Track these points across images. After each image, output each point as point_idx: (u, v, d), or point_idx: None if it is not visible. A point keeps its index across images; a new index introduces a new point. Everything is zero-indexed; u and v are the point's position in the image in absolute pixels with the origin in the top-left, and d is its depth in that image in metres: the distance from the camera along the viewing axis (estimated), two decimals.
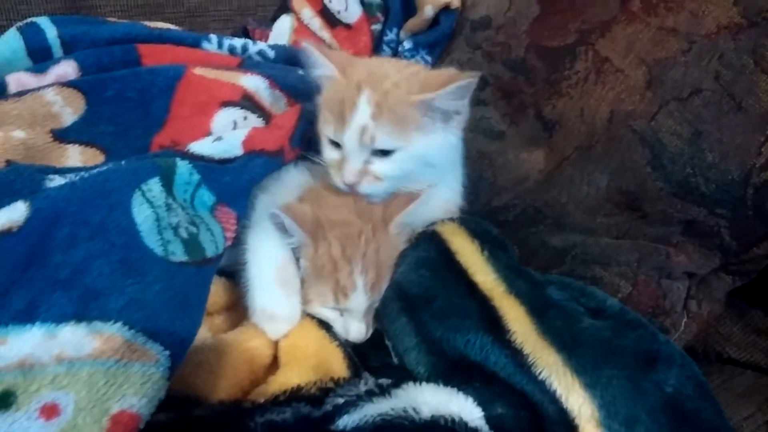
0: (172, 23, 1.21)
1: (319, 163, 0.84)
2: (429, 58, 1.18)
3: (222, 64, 0.92)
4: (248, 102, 0.85)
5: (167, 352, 0.55)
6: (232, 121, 0.83)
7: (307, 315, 0.77)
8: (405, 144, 0.78)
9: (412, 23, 1.17)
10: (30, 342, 0.50)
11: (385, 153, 0.78)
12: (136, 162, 0.67)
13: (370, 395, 0.61)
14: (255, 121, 0.85)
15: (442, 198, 0.88)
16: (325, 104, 0.81)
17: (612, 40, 0.91)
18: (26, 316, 0.52)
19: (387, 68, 0.82)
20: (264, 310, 0.74)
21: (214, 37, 0.99)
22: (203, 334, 0.73)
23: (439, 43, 1.16)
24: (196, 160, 0.73)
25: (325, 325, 0.76)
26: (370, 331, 0.79)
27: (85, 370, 0.49)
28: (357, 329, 0.77)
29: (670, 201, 0.84)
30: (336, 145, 0.80)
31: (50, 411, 0.47)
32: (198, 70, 0.86)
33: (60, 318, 0.52)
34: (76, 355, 0.50)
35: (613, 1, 0.93)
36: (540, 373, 0.66)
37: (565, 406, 0.64)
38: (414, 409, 0.58)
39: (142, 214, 0.62)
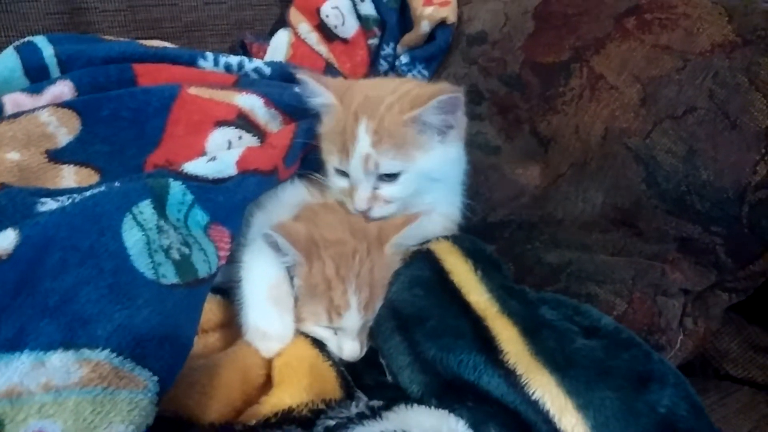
0: (170, 38, 1.22)
1: (317, 180, 0.85)
2: (426, 72, 1.18)
3: (218, 82, 0.93)
4: (243, 121, 0.86)
5: (155, 378, 0.55)
6: (227, 141, 0.84)
7: (301, 333, 0.77)
8: (408, 164, 0.80)
9: (409, 38, 1.18)
10: (18, 370, 0.51)
11: (390, 176, 0.80)
12: (128, 184, 0.67)
13: (361, 418, 0.61)
14: (250, 140, 0.86)
15: (441, 214, 0.88)
16: (327, 136, 0.84)
17: (606, 57, 0.91)
18: (15, 344, 0.52)
19: (382, 90, 0.83)
20: (257, 328, 0.74)
21: (210, 55, 0.99)
22: (197, 352, 0.74)
23: (435, 57, 1.16)
24: (190, 180, 0.73)
25: (318, 344, 0.76)
26: (365, 350, 0.79)
27: (72, 399, 0.50)
28: (351, 348, 0.77)
29: (665, 218, 0.84)
30: (343, 173, 0.83)
31: None
32: (193, 90, 0.87)
33: (48, 346, 0.52)
34: (63, 384, 0.50)
35: (607, 19, 0.94)
36: (533, 394, 0.66)
37: (558, 427, 0.64)
38: None
39: (132, 237, 0.62)
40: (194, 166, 0.75)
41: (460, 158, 0.88)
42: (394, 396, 0.70)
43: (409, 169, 0.80)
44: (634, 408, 0.66)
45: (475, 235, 0.93)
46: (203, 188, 0.73)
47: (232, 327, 0.79)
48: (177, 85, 0.86)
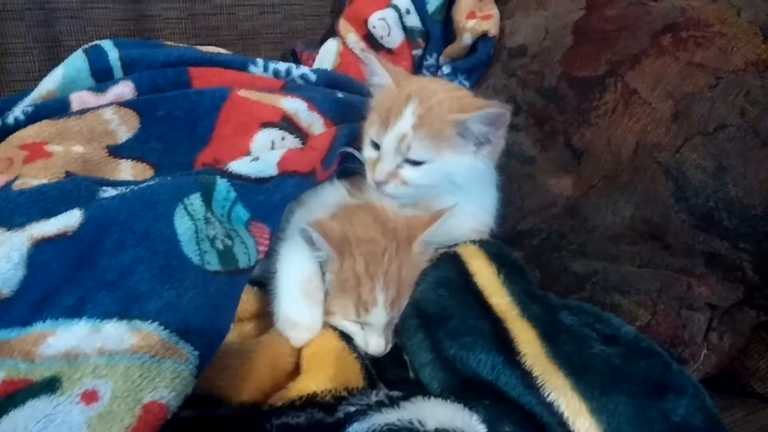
0: (226, 45, 1.29)
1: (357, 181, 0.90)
2: (467, 83, 1.21)
3: (266, 86, 0.99)
4: (287, 123, 0.91)
5: (197, 352, 0.60)
6: (270, 141, 0.89)
7: (330, 327, 0.81)
8: (435, 157, 0.84)
9: (451, 49, 1.22)
10: (77, 335, 0.57)
11: (416, 162, 0.85)
12: (181, 178, 0.73)
13: (379, 405, 0.64)
14: (292, 141, 0.91)
15: (471, 217, 0.92)
16: (375, 108, 0.90)
17: (641, 73, 0.93)
18: (75, 312, 0.58)
19: (436, 86, 0.89)
20: (288, 317, 0.79)
21: (260, 61, 1.05)
22: (232, 339, 0.79)
23: (476, 69, 1.20)
24: (234, 178, 0.79)
25: (346, 338, 0.80)
26: (389, 346, 0.83)
27: (123, 363, 0.55)
28: (376, 343, 0.81)
29: (692, 233, 0.85)
30: (376, 146, 0.88)
31: (90, 397, 0.52)
32: (242, 92, 0.93)
33: (104, 315, 0.58)
34: (116, 349, 0.56)
35: (644, 35, 0.95)
36: (548, 396, 0.68)
37: (572, 429, 0.66)
38: (420, 422, 0.62)
39: (183, 225, 0.68)
40: (238, 166, 0.80)
41: (486, 174, 0.91)
42: (415, 391, 0.73)
43: (434, 162, 0.84)
44: (647, 415, 0.67)
45: (504, 241, 0.96)
46: (246, 187, 0.78)
47: (266, 317, 0.84)
48: (227, 87, 0.92)
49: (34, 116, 0.88)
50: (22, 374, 0.54)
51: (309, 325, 0.79)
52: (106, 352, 0.55)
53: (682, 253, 0.87)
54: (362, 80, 1.22)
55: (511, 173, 1.04)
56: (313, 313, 0.80)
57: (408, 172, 0.85)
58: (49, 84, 0.98)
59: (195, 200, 0.71)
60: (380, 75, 0.91)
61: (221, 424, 0.63)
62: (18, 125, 0.87)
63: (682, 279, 0.87)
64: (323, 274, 0.83)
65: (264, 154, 0.84)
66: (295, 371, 0.76)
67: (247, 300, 0.84)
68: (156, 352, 0.56)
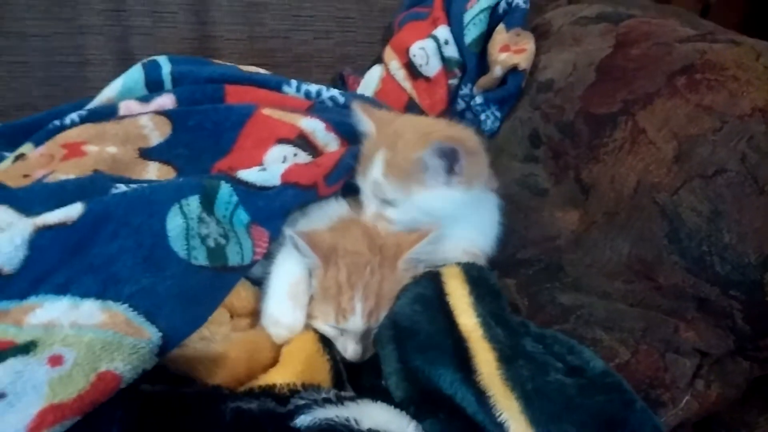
0: (281, 67, 1.41)
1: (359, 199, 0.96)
2: (498, 114, 1.24)
3: (293, 106, 1.07)
4: (302, 141, 0.98)
5: (160, 334, 0.67)
6: (282, 156, 0.97)
7: (314, 330, 0.87)
8: (406, 197, 0.90)
9: (483, 81, 1.25)
10: (59, 309, 0.65)
11: (392, 202, 0.91)
12: (184, 181, 0.82)
13: (325, 402, 0.69)
14: (304, 157, 0.98)
15: (465, 240, 0.95)
16: (361, 155, 0.96)
17: (652, 113, 0.93)
18: (61, 290, 0.67)
19: (411, 128, 0.93)
20: (272, 315, 0.85)
21: (294, 82, 1.14)
22: (224, 330, 0.86)
23: (507, 101, 1.22)
24: (241, 185, 0.87)
25: (325, 341, 0.85)
26: (369, 354, 0.86)
27: (89, 335, 0.62)
28: (353, 349, 0.85)
29: (683, 276, 0.84)
30: None
31: (55, 361, 0.60)
32: (267, 111, 1.01)
33: (85, 294, 0.67)
34: (86, 323, 0.64)
35: (661, 75, 0.95)
36: (500, 416, 0.70)
37: None
38: (356, 420, 0.66)
39: (174, 222, 0.76)
40: (247, 174, 0.89)
41: (471, 202, 0.93)
42: (381, 399, 0.77)
43: (406, 200, 0.90)
44: None
45: (500, 268, 0.98)
46: (248, 193, 0.86)
47: None
48: (254, 105, 1.01)
49: (86, 119, 1.00)
50: (10, 337, 0.62)
51: (290, 325, 0.85)
52: (77, 325, 0.63)
53: (673, 295, 0.86)
54: (398, 106, 1.30)
55: (521, 203, 1.06)
56: (296, 315, 0.86)
57: (390, 212, 0.92)
58: (109, 92, 1.11)
59: (192, 201, 0.79)
60: (364, 122, 0.97)
61: (182, 401, 0.69)
62: (73, 126, 1.00)
63: (670, 321, 0.85)
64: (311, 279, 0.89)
65: (272, 166, 0.91)
66: (272, 366, 0.82)
67: (246, 297, 0.91)
68: (120, 329, 0.64)
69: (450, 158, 0.86)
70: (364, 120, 0.96)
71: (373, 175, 0.90)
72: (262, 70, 1.17)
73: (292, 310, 0.85)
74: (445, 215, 0.90)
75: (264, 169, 0.90)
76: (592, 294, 0.91)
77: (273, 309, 0.85)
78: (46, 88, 1.36)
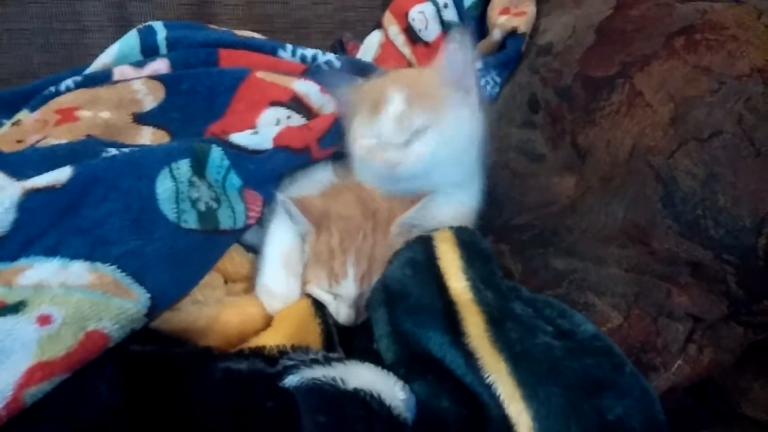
0: (279, 32, 1.39)
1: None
2: (498, 79, 1.22)
3: (287, 69, 1.06)
4: (295, 103, 0.98)
5: (148, 295, 0.68)
6: (275, 119, 0.96)
7: (307, 295, 0.87)
8: (437, 120, 0.87)
9: (482, 45, 1.23)
10: (48, 270, 0.66)
11: (419, 135, 0.86)
12: (175, 144, 0.82)
13: (313, 362, 0.70)
14: (298, 120, 0.98)
15: (456, 202, 0.94)
16: (358, 102, 0.92)
17: (649, 75, 0.91)
18: (51, 251, 0.68)
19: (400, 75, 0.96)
20: (266, 285, 0.86)
21: (289, 47, 1.13)
22: (219, 294, 0.87)
23: (506, 65, 1.20)
24: (233, 148, 0.87)
25: (318, 305, 0.86)
26: (362, 318, 0.87)
27: (76, 296, 0.64)
28: (346, 313, 0.86)
29: (677, 240, 0.83)
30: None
31: (44, 320, 0.61)
32: (260, 74, 1.00)
33: (73, 256, 0.67)
34: (74, 284, 0.65)
35: (659, 37, 0.93)
36: (488, 378, 0.71)
37: (506, 412, 0.69)
38: (342, 380, 0.66)
39: (163, 185, 0.76)
40: (239, 137, 0.88)
41: (478, 128, 0.94)
42: (372, 362, 0.78)
43: (437, 124, 0.87)
44: (579, 409, 0.68)
45: (495, 234, 0.98)
46: (239, 156, 0.86)
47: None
48: (247, 68, 1.01)
49: (81, 85, 1.00)
50: (1, 297, 0.64)
51: (284, 295, 0.86)
52: (66, 286, 0.64)
53: (666, 260, 0.85)
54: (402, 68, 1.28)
55: (517, 169, 1.06)
56: (290, 284, 0.86)
57: (416, 147, 0.86)
58: (105, 58, 1.11)
59: (183, 165, 0.79)
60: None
61: (173, 361, 0.70)
62: (68, 92, 1.00)
63: (663, 286, 0.85)
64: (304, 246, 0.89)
65: (264, 129, 0.91)
66: (264, 330, 0.83)
67: (241, 263, 0.92)
68: (107, 290, 0.65)
69: (462, 64, 0.88)
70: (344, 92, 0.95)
71: (392, 112, 0.85)
72: (257, 35, 1.16)
73: (286, 280, 0.86)
74: (460, 145, 0.90)
75: (256, 133, 0.89)
76: (585, 259, 0.91)
77: (267, 280, 0.86)
78: (46, 55, 1.36)
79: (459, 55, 0.87)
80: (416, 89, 0.87)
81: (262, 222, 0.91)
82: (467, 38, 0.88)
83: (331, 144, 0.93)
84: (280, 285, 0.86)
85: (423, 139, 0.87)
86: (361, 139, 0.90)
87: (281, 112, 0.97)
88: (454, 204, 0.93)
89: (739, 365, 0.90)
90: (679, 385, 0.84)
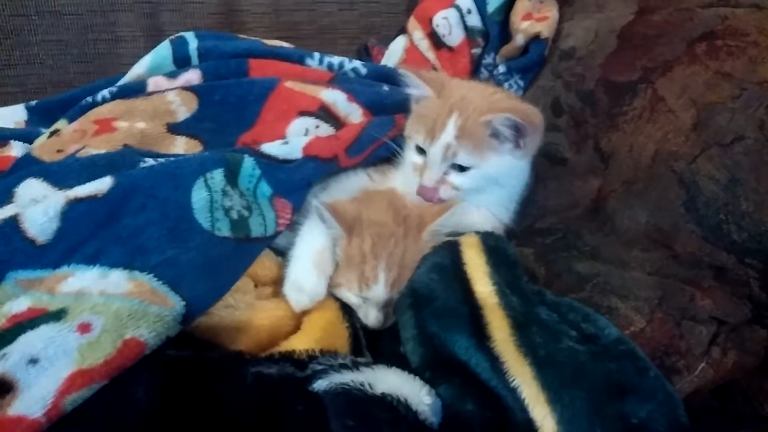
0: (306, 39, 1.42)
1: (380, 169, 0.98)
2: (521, 83, 1.24)
3: (315, 78, 1.08)
4: (324, 112, 1.01)
5: (183, 303, 0.70)
6: (304, 128, 0.99)
7: (335, 299, 0.90)
8: (480, 162, 0.92)
9: (506, 49, 1.25)
10: (89, 278, 0.69)
11: (462, 168, 0.92)
12: (209, 155, 0.85)
13: (341, 367, 0.72)
14: (327, 129, 1.00)
15: (488, 211, 0.97)
16: (420, 116, 0.97)
17: (671, 80, 0.92)
18: (92, 260, 0.71)
19: (474, 94, 0.96)
20: (295, 281, 0.87)
21: (316, 55, 1.16)
22: (248, 299, 0.90)
23: (530, 69, 1.22)
24: (264, 158, 0.90)
25: (346, 309, 0.88)
26: (390, 322, 0.89)
27: (116, 304, 0.66)
28: (375, 317, 0.88)
29: (700, 244, 0.84)
30: (421, 151, 0.95)
31: (84, 328, 0.64)
32: (289, 83, 1.03)
33: (113, 264, 0.70)
34: (114, 292, 0.67)
35: (680, 42, 0.94)
36: (513, 381, 0.73)
37: (531, 416, 0.71)
38: (370, 384, 0.69)
39: (198, 195, 0.79)
40: (269, 147, 0.91)
41: (524, 173, 0.98)
42: (399, 365, 0.80)
43: (479, 167, 0.92)
44: (603, 413, 0.70)
45: (518, 237, 1.00)
46: (270, 166, 0.89)
47: None
48: (276, 78, 1.04)
49: (116, 96, 1.04)
50: (44, 304, 0.67)
51: (312, 292, 0.87)
52: (105, 294, 0.67)
53: (689, 263, 0.86)
54: None
55: (541, 172, 1.07)
56: (319, 282, 0.88)
57: (456, 178, 0.93)
58: (138, 69, 1.14)
59: (217, 175, 0.82)
60: (420, 88, 0.98)
61: (206, 365, 0.73)
62: (104, 103, 1.04)
63: (686, 290, 0.86)
64: (335, 249, 0.92)
65: (294, 139, 0.94)
66: (293, 333, 0.86)
67: (270, 267, 0.94)
68: (145, 298, 0.68)
69: (519, 131, 0.89)
70: (421, 85, 0.97)
71: (445, 139, 0.91)
72: (285, 44, 1.19)
73: (316, 278, 0.88)
74: (504, 183, 0.94)
75: (286, 143, 0.92)
76: (609, 263, 0.92)
77: (297, 275, 0.88)
78: (81, 65, 1.40)
79: (520, 127, 0.90)
80: (469, 124, 0.90)
81: (291, 226, 0.93)
82: (540, 126, 0.91)
83: (358, 153, 0.96)
84: (311, 281, 0.88)
85: (462, 174, 0.92)
86: (414, 156, 0.96)
87: (310, 122, 1.00)
88: (484, 213, 0.95)
89: (764, 367, 0.91)
90: (702, 387, 0.85)
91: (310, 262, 0.90)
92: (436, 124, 0.92)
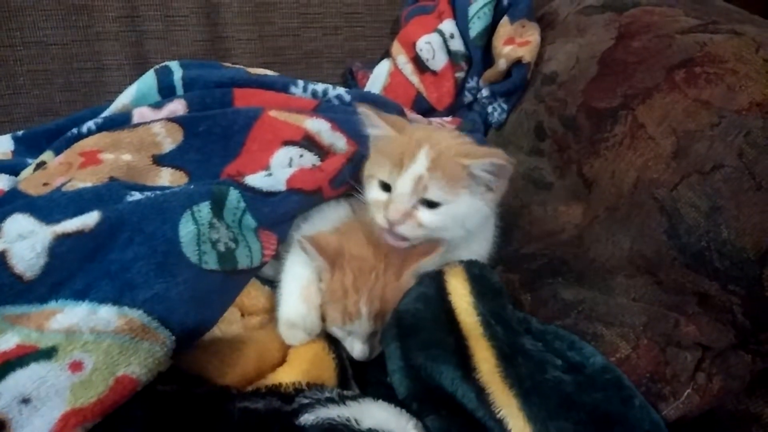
0: (291, 64, 1.43)
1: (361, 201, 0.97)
2: (505, 106, 1.25)
3: (299, 107, 1.09)
4: (307, 142, 1.01)
5: (173, 337, 0.71)
6: (288, 158, 0.99)
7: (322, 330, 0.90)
8: (452, 198, 0.86)
9: (489, 73, 1.26)
10: (78, 314, 0.69)
11: (432, 204, 0.86)
12: (196, 187, 0.85)
13: (328, 401, 0.72)
14: (311, 158, 1.00)
15: (467, 248, 0.95)
16: (380, 154, 0.91)
17: (650, 107, 0.94)
18: (80, 295, 0.71)
19: (439, 135, 0.92)
20: (288, 319, 0.87)
21: (300, 82, 1.16)
22: (235, 329, 0.90)
23: (512, 93, 1.23)
24: (248, 191, 0.90)
25: (332, 340, 0.89)
26: (376, 352, 0.89)
27: (107, 341, 0.67)
28: (360, 349, 0.88)
29: (682, 272, 0.85)
30: (385, 188, 0.89)
31: (76, 366, 0.65)
32: (273, 113, 1.03)
33: (102, 300, 0.70)
34: (104, 329, 0.68)
35: (660, 70, 0.96)
36: (499, 413, 0.73)
37: None
38: (356, 420, 0.69)
39: (186, 229, 0.79)
40: (253, 179, 0.91)
41: (490, 217, 0.94)
42: (386, 395, 0.80)
43: (450, 204, 0.86)
44: None
45: (503, 263, 1.00)
46: (254, 199, 0.89)
47: (273, 313, 0.93)
48: (260, 108, 1.04)
49: (102, 127, 1.04)
50: (32, 341, 0.67)
51: (307, 327, 0.87)
52: (96, 331, 0.67)
53: (673, 290, 0.87)
54: (406, 100, 1.32)
55: (525, 198, 1.08)
56: (311, 316, 0.88)
57: (424, 214, 0.86)
58: (124, 99, 1.14)
59: (203, 207, 0.82)
60: (380, 128, 0.92)
61: (193, 401, 0.73)
62: (90, 134, 1.04)
63: (671, 316, 0.87)
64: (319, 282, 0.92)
65: (278, 170, 0.94)
66: (280, 365, 0.86)
67: (257, 296, 0.95)
68: (136, 334, 0.68)
69: (499, 175, 0.86)
70: (381, 124, 0.92)
71: (416, 170, 0.85)
72: (270, 72, 1.19)
73: (307, 312, 0.88)
74: (469, 227, 0.89)
75: (270, 174, 0.92)
76: (594, 289, 0.93)
77: (288, 312, 0.88)
78: (67, 94, 1.40)
79: (499, 171, 0.86)
80: (443, 158, 0.86)
81: (277, 256, 0.94)
82: (506, 166, 0.86)
83: (342, 184, 0.96)
84: (302, 316, 0.88)
85: (430, 211, 0.86)
86: (376, 193, 0.90)
87: (293, 151, 1.00)
88: (466, 252, 0.94)
89: (750, 390, 0.92)
90: (689, 414, 0.86)
91: (298, 297, 0.90)
92: (404, 156, 0.86)
